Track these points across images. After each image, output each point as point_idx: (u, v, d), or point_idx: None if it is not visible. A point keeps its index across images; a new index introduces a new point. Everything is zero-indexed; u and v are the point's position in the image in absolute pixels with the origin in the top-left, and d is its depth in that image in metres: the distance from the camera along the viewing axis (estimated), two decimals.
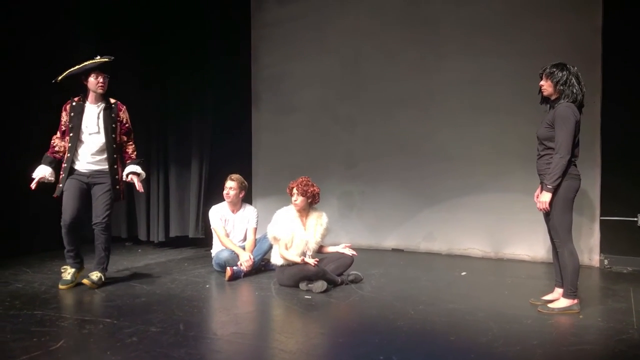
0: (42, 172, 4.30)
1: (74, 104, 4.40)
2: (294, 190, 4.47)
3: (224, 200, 5.14)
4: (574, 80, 3.57)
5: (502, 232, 5.68)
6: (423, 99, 6.00)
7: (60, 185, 4.32)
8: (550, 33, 5.32)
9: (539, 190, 3.73)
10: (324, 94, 6.50)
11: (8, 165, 5.50)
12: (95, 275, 4.39)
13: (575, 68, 3.62)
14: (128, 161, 4.54)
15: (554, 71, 3.61)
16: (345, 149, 6.43)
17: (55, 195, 4.35)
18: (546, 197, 3.56)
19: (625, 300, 3.98)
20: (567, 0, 5.32)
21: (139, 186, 4.48)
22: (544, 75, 3.67)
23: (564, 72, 3.58)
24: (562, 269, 3.66)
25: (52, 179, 4.36)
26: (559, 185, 3.53)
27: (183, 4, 6.30)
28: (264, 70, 6.79)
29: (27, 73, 5.67)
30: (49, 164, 4.36)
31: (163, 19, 6.32)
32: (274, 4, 6.71)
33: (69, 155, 4.33)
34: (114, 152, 4.43)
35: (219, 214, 5.08)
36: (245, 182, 5.22)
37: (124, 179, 4.49)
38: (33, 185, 4.30)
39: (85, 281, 4.34)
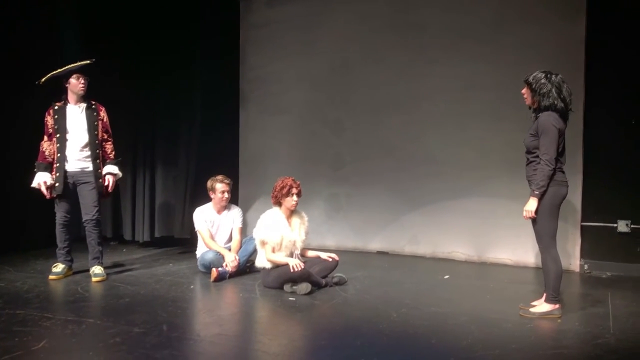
0: (43, 178, 4.49)
1: (56, 107, 4.59)
2: (294, 190, 4.47)
3: (210, 200, 5.14)
4: (553, 90, 3.56)
5: (486, 236, 5.74)
6: (410, 103, 6.05)
7: (57, 184, 4.51)
8: (536, 40, 5.38)
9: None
10: (312, 97, 6.52)
11: None
12: (98, 268, 4.62)
13: (559, 77, 3.60)
14: (107, 160, 4.72)
15: (533, 80, 3.63)
16: (332, 151, 6.46)
17: (52, 195, 4.54)
18: (531, 204, 3.58)
19: (603, 305, 4.06)
20: (552, 9, 5.38)
21: (111, 187, 4.71)
22: (525, 83, 3.71)
23: (543, 82, 3.59)
24: (545, 274, 3.71)
25: (52, 182, 4.52)
26: (544, 192, 3.57)
27: (171, 4, 6.28)
28: (252, 72, 6.80)
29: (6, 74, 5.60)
30: (45, 170, 4.54)
31: (151, 19, 6.30)
32: (263, 5, 6.72)
33: (59, 155, 4.53)
34: (97, 148, 4.64)
35: (203, 216, 5.08)
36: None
37: (100, 179, 4.67)
38: (47, 195, 4.50)
39: (94, 279, 4.53)
